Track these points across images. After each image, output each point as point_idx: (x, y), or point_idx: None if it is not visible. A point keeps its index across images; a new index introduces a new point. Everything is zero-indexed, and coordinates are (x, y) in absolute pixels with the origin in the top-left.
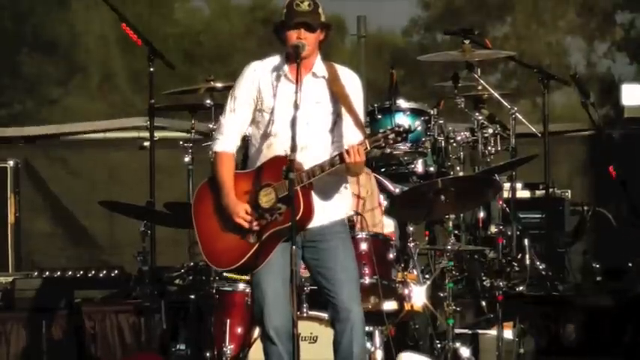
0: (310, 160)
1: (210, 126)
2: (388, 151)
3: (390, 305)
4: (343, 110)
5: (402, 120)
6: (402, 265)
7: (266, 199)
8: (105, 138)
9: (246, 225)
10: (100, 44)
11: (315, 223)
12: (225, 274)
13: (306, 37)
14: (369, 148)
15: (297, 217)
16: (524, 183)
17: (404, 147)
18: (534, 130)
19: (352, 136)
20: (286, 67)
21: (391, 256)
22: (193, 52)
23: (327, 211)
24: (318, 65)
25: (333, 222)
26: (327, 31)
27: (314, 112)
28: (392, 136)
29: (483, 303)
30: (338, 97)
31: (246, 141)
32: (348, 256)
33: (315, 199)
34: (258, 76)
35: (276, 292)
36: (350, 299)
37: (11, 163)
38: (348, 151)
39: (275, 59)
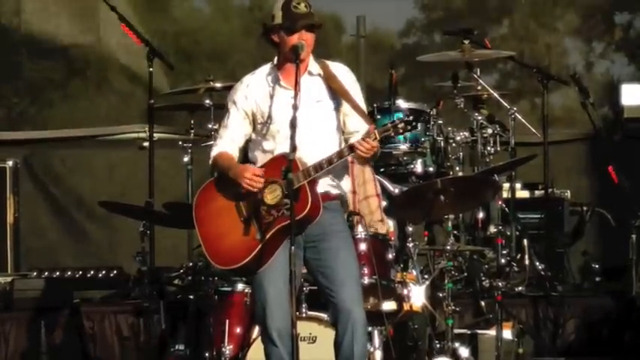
0: (319, 158)
1: (210, 126)
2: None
3: (389, 305)
4: (347, 106)
5: None
6: (401, 265)
7: (271, 195)
8: (104, 138)
9: (258, 182)
10: (100, 44)
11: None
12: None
13: (307, 39)
14: (378, 137)
15: (305, 212)
16: (523, 183)
17: (403, 147)
18: (534, 130)
19: (361, 129)
20: (279, 74)
21: (390, 256)
22: (191, 51)
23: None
24: (312, 64)
25: (332, 211)
26: (319, 30)
27: (317, 111)
28: (401, 125)
29: (482, 303)
30: (338, 94)
31: (245, 142)
32: (350, 256)
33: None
34: (252, 91)
35: (278, 293)
36: (351, 299)
37: (10, 163)
38: (360, 143)
39: (265, 69)
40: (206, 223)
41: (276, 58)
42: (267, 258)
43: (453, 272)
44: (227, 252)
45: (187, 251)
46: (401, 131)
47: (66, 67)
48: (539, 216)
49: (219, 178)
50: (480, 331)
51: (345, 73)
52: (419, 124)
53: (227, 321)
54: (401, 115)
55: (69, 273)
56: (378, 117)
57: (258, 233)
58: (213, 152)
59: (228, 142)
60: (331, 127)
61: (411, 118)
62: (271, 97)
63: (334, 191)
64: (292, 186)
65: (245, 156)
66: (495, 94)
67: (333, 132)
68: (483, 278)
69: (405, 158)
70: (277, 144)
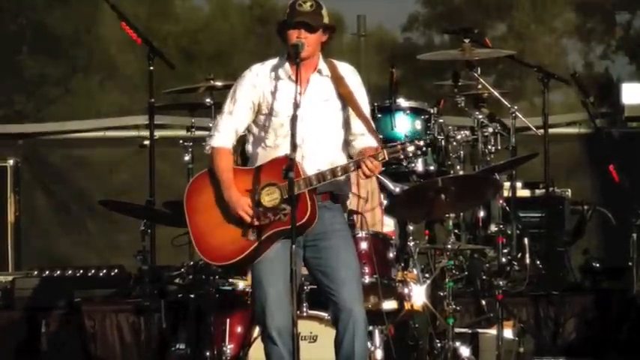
0: (322, 158)
1: (211, 125)
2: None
3: (389, 304)
4: (352, 112)
5: (402, 119)
6: (402, 264)
7: (269, 198)
8: (105, 137)
9: (248, 219)
10: (101, 42)
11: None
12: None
13: (306, 37)
14: (387, 158)
15: (304, 220)
16: (524, 182)
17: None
18: (534, 129)
19: (364, 137)
20: (289, 68)
21: (391, 255)
22: (192, 50)
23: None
24: (322, 64)
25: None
26: (330, 32)
27: (323, 109)
28: (411, 148)
29: (483, 302)
30: (344, 98)
31: (243, 138)
32: (350, 255)
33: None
34: (261, 81)
35: (278, 292)
36: (352, 298)
37: (11, 162)
38: (365, 162)
39: (275, 61)
40: (198, 214)
41: (287, 53)
42: (258, 257)
43: (453, 271)
44: (219, 247)
45: (188, 250)
46: (410, 155)
47: (67, 63)
48: (539, 215)
49: (211, 172)
50: (480, 330)
51: (351, 74)
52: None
53: (228, 320)
54: (401, 113)
55: (70, 272)
56: (379, 116)
57: (253, 234)
58: (215, 142)
59: (230, 131)
60: (336, 127)
61: (421, 143)
62: (279, 89)
63: (335, 191)
64: (293, 185)
65: (242, 151)
66: (496, 93)
67: (337, 132)
68: (484, 277)
69: None
70: (278, 138)
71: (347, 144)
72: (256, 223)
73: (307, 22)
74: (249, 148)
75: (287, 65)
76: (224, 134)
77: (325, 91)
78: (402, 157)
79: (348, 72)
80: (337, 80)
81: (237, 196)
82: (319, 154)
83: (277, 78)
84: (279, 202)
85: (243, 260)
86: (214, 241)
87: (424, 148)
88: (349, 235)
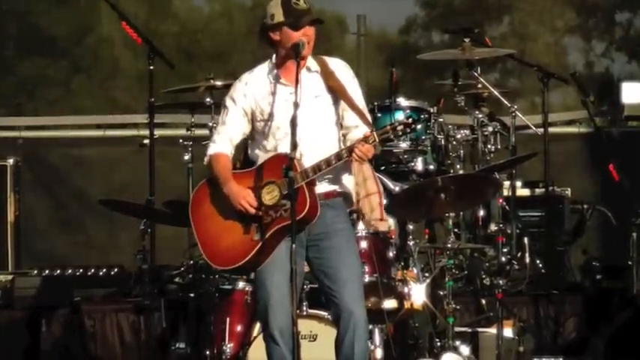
0: (320, 154)
1: (210, 124)
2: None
3: (389, 304)
4: (344, 104)
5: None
6: (402, 263)
7: (269, 196)
8: (105, 136)
9: (251, 209)
10: (102, 42)
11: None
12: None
13: (310, 34)
14: (377, 140)
15: (304, 213)
16: (523, 181)
17: (404, 145)
18: (534, 128)
19: (358, 129)
20: (277, 72)
21: (391, 254)
22: (192, 50)
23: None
24: (310, 61)
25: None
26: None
27: (315, 106)
28: (400, 127)
29: (483, 301)
30: (336, 91)
31: (245, 142)
32: (352, 255)
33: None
34: (252, 89)
35: (281, 292)
36: (353, 299)
37: (11, 161)
38: (356, 146)
39: (263, 67)
40: (203, 224)
41: (274, 56)
42: (265, 257)
43: (453, 270)
44: (225, 252)
45: (184, 255)
46: (400, 134)
47: (68, 63)
48: (539, 214)
49: (211, 179)
50: (480, 329)
51: (342, 68)
52: (418, 126)
53: (228, 319)
54: (401, 113)
55: (69, 271)
56: (379, 115)
57: (257, 234)
58: (210, 150)
59: (225, 140)
60: (330, 122)
61: (410, 120)
62: (271, 94)
63: (337, 188)
64: (293, 184)
65: (245, 154)
66: (496, 92)
67: (332, 127)
68: (484, 276)
69: (405, 156)
70: (278, 141)
71: (344, 138)
72: (259, 214)
73: (318, 19)
74: (250, 153)
75: (275, 70)
76: (219, 143)
77: (315, 88)
78: (392, 137)
79: (339, 66)
80: (327, 75)
81: (237, 188)
82: (317, 150)
83: (268, 83)
84: (279, 199)
85: (249, 262)
86: (221, 246)
87: (413, 126)
88: (352, 234)
